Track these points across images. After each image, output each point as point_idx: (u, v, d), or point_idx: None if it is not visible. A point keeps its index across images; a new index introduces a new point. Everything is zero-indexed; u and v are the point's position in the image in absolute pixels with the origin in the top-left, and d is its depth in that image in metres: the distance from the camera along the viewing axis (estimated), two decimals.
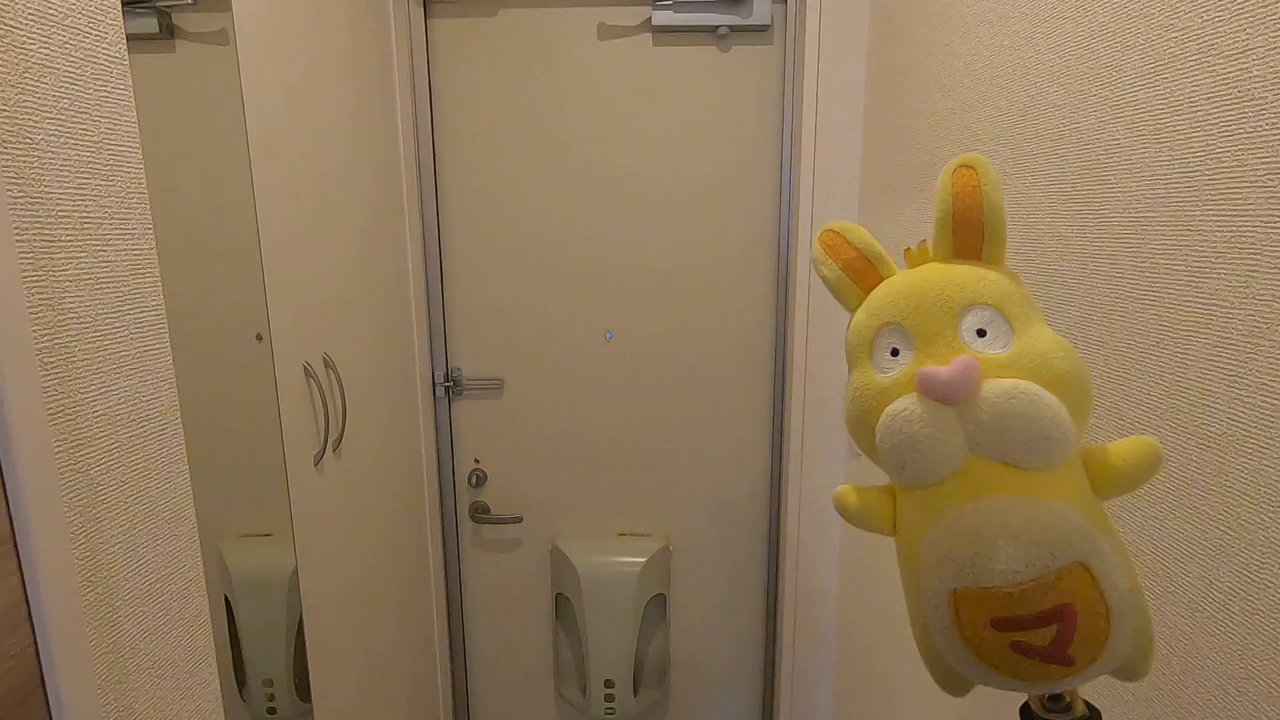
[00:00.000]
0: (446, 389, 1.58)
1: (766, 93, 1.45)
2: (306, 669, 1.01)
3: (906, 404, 0.43)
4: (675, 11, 1.39)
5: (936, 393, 0.42)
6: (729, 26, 1.40)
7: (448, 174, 1.50)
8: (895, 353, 0.47)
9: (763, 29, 1.42)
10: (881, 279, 0.50)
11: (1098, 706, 0.45)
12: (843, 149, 1.35)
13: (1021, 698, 0.46)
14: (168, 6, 0.80)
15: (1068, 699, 0.44)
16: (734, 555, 1.65)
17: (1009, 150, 0.80)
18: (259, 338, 0.91)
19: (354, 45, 1.18)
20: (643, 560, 1.56)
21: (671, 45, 1.44)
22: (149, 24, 0.77)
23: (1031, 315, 0.45)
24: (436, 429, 1.59)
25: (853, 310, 0.51)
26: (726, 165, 1.48)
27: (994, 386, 0.41)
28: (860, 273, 0.51)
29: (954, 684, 0.46)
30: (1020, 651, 0.40)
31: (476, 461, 1.63)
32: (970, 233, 0.46)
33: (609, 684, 1.60)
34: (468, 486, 1.64)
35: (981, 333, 0.44)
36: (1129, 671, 0.43)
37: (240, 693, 0.87)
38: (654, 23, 1.40)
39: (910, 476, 0.44)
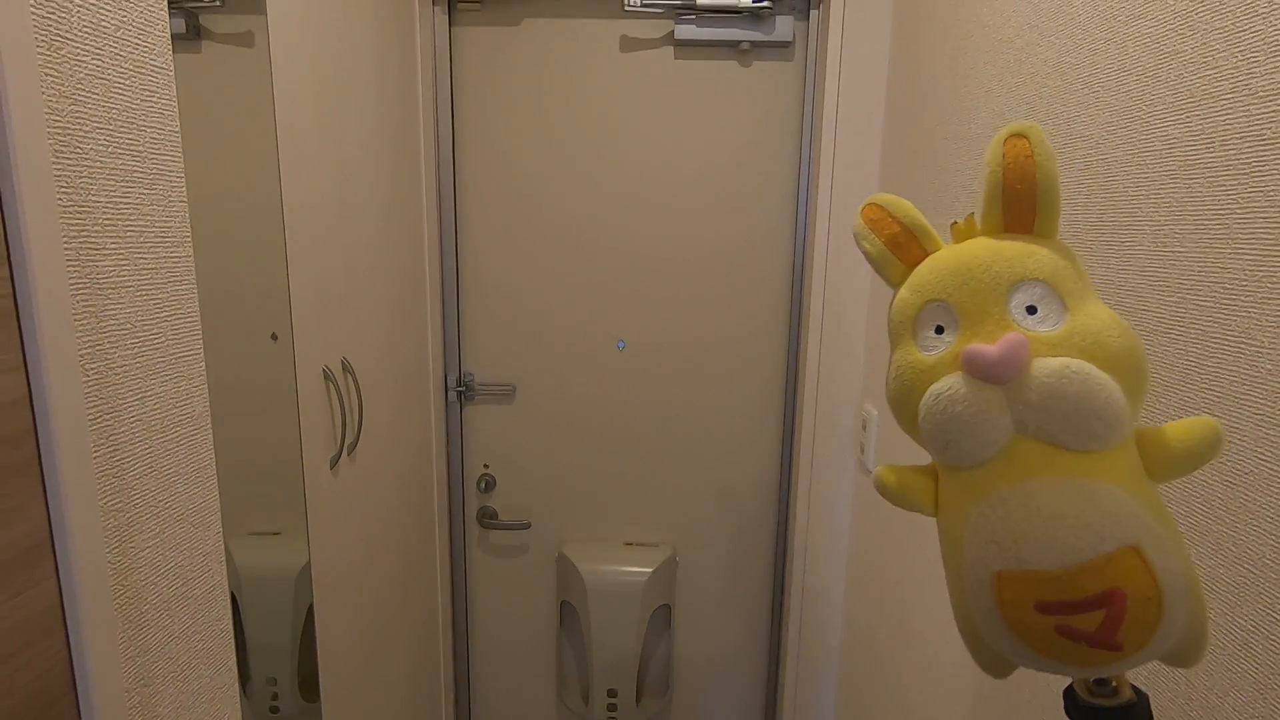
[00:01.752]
0: (459, 394, 1.58)
1: (786, 108, 1.46)
2: (310, 669, 1.01)
3: (951, 383, 0.42)
4: (698, 26, 1.40)
5: (983, 372, 0.40)
6: (750, 42, 1.41)
7: (466, 179, 1.51)
8: (940, 330, 0.45)
9: (784, 45, 1.42)
10: (926, 254, 0.49)
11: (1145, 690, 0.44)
12: (861, 166, 1.36)
13: (1066, 680, 0.45)
14: (195, 7, 0.81)
15: (1114, 683, 0.43)
16: (741, 567, 1.65)
17: None
18: (274, 338, 0.92)
19: (380, 51, 1.19)
20: (649, 570, 1.56)
21: (693, 59, 1.44)
22: (176, 24, 0.78)
23: (1085, 291, 0.43)
24: (448, 433, 1.59)
25: (896, 287, 0.50)
26: (744, 179, 1.48)
27: (1044, 366, 0.40)
28: (904, 248, 0.49)
29: (996, 666, 0.45)
30: (1066, 635, 0.39)
31: (486, 467, 1.63)
32: (1021, 205, 0.44)
33: (612, 693, 1.60)
34: (476, 491, 1.64)
35: (1032, 310, 0.43)
36: (1180, 657, 0.42)
37: (244, 690, 0.88)
38: (676, 37, 1.41)
39: (954, 457, 0.43)
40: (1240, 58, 0.52)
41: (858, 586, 1.43)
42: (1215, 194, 0.54)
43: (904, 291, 0.48)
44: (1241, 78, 0.52)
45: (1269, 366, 0.49)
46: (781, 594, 1.62)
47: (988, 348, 0.40)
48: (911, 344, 0.47)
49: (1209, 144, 0.55)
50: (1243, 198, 0.52)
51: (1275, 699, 0.48)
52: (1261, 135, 0.50)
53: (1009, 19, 0.87)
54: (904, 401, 0.47)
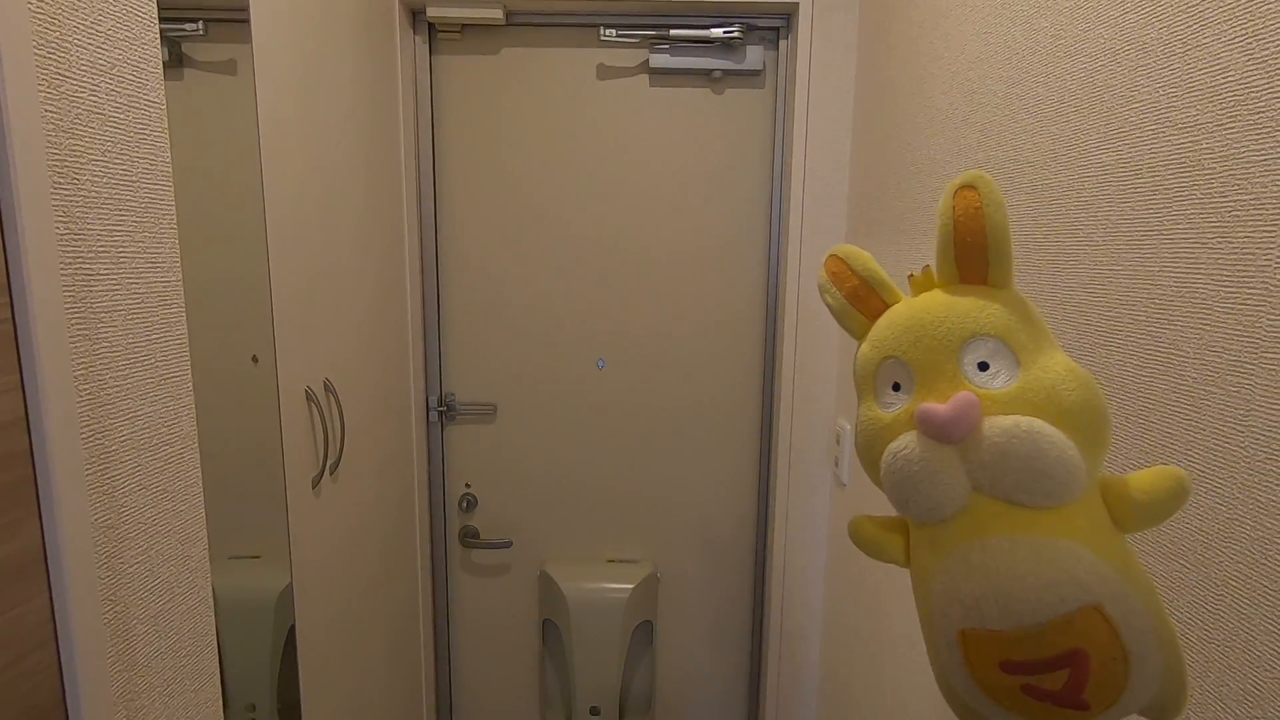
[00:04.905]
0: (440, 413, 1.60)
1: (758, 134, 1.51)
2: (289, 695, 1.01)
3: (906, 442, 0.43)
4: (672, 55, 1.45)
5: (934, 432, 0.41)
6: (723, 71, 1.46)
7: (447, 204, 1.54)
8: (897, 388, 0.46)
9: (755, 74, 1.48)
10: (886, 306, 0.49)
11: None
12: (830, 189, 1.41)
13: None
14: (179, 36, 0.84)
15: None
16: (721, 583, 1.67)
17: None
18: (255, 360, 0.93)
19: (362, 79, 1.22)
20: (630, 587, 1.57)
21: (667, 87, 1.49)
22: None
23: (1040, 343, 0.43)
24: (429, 453, 1.60)
25: (859, 339, 0.50)
26: (718, 202, 1.53)
27: (995, 425, 0.40)
28: (864, 300, 0.49)
29: (971, 719, 0.46)
30: (1032, 695, 0.39)
31: (467, 486, 1.64)
32: (973, 256, 0.45)
33: (595, 711, 1.60)
34: (458, 511, 1.65)
35: (984, 366, 0.43)
36: (1159, 711, 0.41)
37: (224, 716, 0.88)
38: (651, 65, 1.46)
39: (914, 514, 0.44)
40: (1161, 92, 0.57)
41: (836, 596, 1.46)
42: (1144, 217, 0.59)
43: (864, 347, 0.49)
44: (1163, 111, 0.57)
45: (1194, 375, 0.53)
46: (762, 606, 1.64)
47: (939, 408, 0.41)
48: (872, 400, 0.47)
49: (1137, 171, 0.60)
50: (1167, 219, 0.56)
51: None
52: (1181, 164, 0.55)
53: (962, 53, 0.92)
54: (868, 456, 0.48)
